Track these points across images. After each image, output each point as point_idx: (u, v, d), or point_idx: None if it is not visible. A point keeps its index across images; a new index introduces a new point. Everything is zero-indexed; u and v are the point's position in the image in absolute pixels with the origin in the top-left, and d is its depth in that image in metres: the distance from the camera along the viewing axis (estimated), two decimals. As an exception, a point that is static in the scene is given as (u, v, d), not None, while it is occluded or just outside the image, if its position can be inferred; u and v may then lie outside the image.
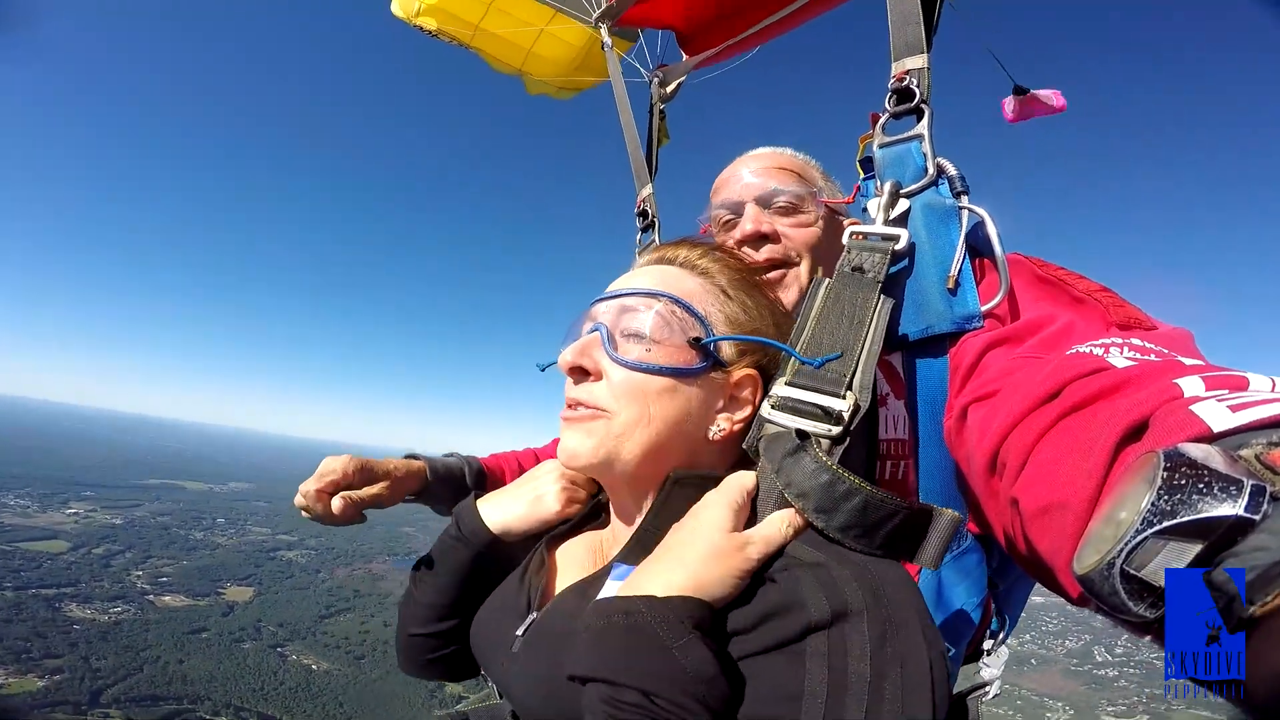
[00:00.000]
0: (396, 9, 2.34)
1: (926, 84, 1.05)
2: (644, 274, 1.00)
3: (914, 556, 0.74)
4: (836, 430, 0.80)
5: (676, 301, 0.93)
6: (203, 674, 54.84)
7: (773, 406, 0.87)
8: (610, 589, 0.82)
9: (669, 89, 2.04)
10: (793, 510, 0.77)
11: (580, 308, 1.04)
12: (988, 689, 1.16)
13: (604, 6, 2.00)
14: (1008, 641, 1.27)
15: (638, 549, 0.86)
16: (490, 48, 2.46)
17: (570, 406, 0.94)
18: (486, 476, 1.56)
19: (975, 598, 1.12)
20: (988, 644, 1.24)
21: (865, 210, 1.09)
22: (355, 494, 1.22)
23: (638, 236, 1.81)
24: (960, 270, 0.98)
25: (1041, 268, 1.03)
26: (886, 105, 1.09)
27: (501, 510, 1.09)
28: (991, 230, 1.01)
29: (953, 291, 0.98)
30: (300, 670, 57.95)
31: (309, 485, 1.21)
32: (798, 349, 0.90)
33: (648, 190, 1.83)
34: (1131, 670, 60.45)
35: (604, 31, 2.03)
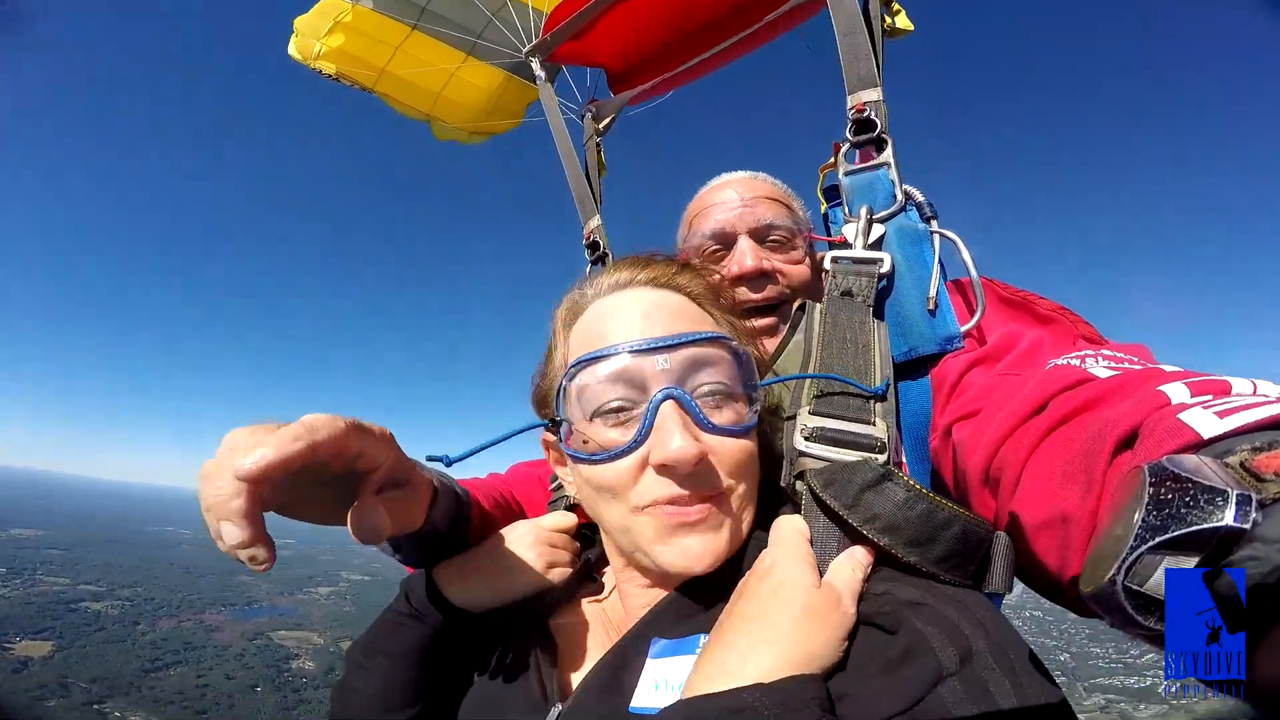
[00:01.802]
0: (294, 51, 2.13)
1: (884, 115, 1.12)
2: (662, 308, 0.84)
3: (982, 582, 0.69)
4: (882, 458, 0.77)
5: (728, 345, 0.82)
6: (-3, 735, 45.83)
7: (807, 439, 0.80)
8: (652, 669, 0.73)
9: (603, 124, 2.02)
10: (861, 549, 0.70)
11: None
12: None
13: (536, 41, 1.97)
14: None
15: (674, 618, 0.77)
16: (396, 92, 2.31)
17: (679, 503, 0.75)
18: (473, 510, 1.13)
19: None
20: None
21: (832, 238, 1.12)
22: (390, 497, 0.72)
23: (587, 269, 1.78)
24: (938, 292, 1.00)
25: (1005, 289, 1.06)
26: (848, 135, 1.14)
27: (468, 584, 0.93)
28: (965, 253, 1.04)
29: (932, 313, 0.99)
30: (131, 728, 49.96)
31: (261, 456, 0.56)
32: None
33: (596, 221, 1.80)
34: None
35: (535, 65, 2.01)
